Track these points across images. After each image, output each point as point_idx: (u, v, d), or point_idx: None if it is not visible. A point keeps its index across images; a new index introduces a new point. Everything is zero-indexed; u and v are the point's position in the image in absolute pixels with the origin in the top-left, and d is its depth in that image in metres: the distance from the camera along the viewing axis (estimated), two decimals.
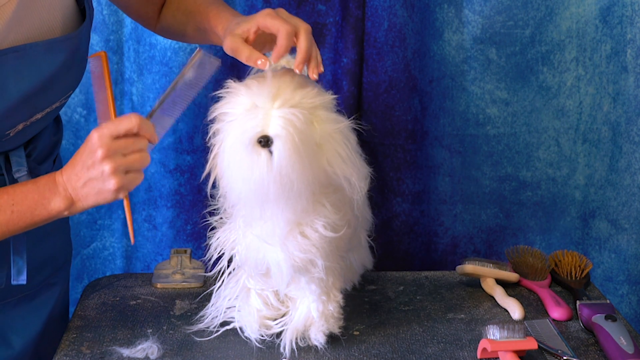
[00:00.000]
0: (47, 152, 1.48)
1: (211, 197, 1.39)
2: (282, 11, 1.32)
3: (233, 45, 1.30)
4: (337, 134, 1.30)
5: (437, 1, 1.94)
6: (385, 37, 1.92)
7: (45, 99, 1.34)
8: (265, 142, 1.24)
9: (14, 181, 1.38)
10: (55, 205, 1.26)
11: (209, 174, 1.35)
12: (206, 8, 1.43)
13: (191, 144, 1.96)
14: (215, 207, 1.42)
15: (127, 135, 1.24)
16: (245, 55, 1.29)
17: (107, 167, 1.23)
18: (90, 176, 1.23)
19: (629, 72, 1.92)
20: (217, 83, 1.93)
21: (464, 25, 1.95)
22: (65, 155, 1.97)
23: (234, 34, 1.31)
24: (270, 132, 1.24)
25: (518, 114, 2.00)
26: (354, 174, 1.31)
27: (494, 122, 2.00)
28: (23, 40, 1.26)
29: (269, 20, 1.28)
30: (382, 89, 1.95)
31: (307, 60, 1.29)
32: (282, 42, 1.27)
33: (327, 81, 1.96)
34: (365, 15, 1.92)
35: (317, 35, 1.94)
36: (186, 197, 1.99)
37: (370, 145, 1.98)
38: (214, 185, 1.35)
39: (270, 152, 1.24)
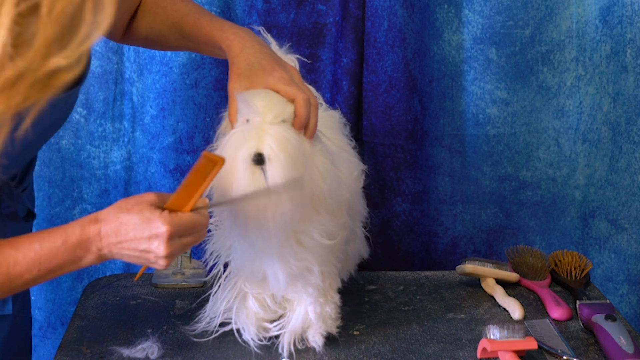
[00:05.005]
0: (24, 173, 1.40)
1: None
2: (294, 73, 1.33)
3: (232, 95, 1.31)
4: (317, 149, 1.31)
5: (437, 1, 1.94)
6: (385, 37, 1.92)
7: (40, 144, 1.32)
8: (258, 160, 1.23)
9: (1, 213, 1.32)
10: (86, 261, 1.19)
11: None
12: (197, 20, 1.40)
13: (191, 144, 1.96)
14: (213, 213, 1.41)
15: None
16: (230, 113, 1.30)
17: (162, 257, 1.19)
18: (140, 255, 1.19)
19: (629, 72, 1.91)
20: (217, 82, 1.94)
21: (464, 25, 1.95)
22: (66, 155, 1.98)
23: (241, 83, 1.30)
24: (264, 151, 1.23)
25: (518, 114, 2.00)
26: (325, 188, 1.31)
27: (494, 122, 2.00)
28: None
29: (282, 86, 1.29)
30: (382, 89, 1.95)
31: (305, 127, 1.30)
32: (301, 111, 1.28)
33: (327, 81, 1.96)
34: (365, 15, 1.92)
35: (317, 35, 1.94)
36: None
37: (370, 145, 1.98)
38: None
39: (263, 170, 1.24)
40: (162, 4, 1.45)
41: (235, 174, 1.24)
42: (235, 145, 1.25)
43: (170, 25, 1.44)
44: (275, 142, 1.23)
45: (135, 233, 1.17)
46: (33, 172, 1.46)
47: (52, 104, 1.20)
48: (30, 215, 1.41)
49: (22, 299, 1.47)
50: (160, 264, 1.20)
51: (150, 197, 1.19)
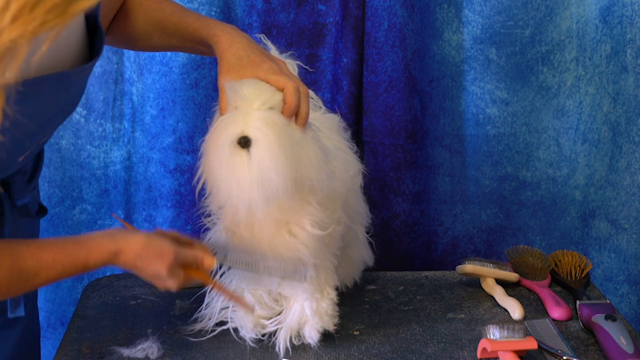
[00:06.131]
0: (34, 169, 1.42)
1: (200, 198, 1.39)
2: (283, 65, 1.34)
3: (222, 87, 1.32)
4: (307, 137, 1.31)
5: (437, 1, 1.94)
6: (385, 37, 1.92)
7: (56, 123, 1.31)
8: (244, 142, 1.24)
9: (14, 207, 1.33)
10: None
11: (200, 176, 1.34)
12: (182, 18, 1.41)
13: (191, 144, 1.96)
14: (208, 208, 1.42)
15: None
16: (220, 104, 1.32)
17: (171, 284, 1.30)
18: (152, 278, 1.30)
19: (629, 72, 1.92)
20: (217, 82, 1.94)
21: (464, 25, 1.95)
22: (66, 155, 1.98)
23: (231, 76, 1.32)
24: (250, 133, 1.24)
25: (518, 114, 2.00)
26: (314, 176, 1.31)
27: (494, 122, 2.00)
28: (49, 68, 1.19)
29: (271, 76, 1.30)
30: (382, 89, 1.95)
31: (295, 115, 1.31)
32: (291, 98, 1.29)
33: (327, 81, 1.96)
34: (365, 15, 1.92)
35: (317, 35, 1.94)
36: (186, 197, 1.99)
37: (370, 145, 1.98)
38: (203, 187, 1.35)
39: (249, 153, 1.24)
40: (146, 3, 1.46)
41: (221, 157, 1.25)
42: (221, 129, 1.26)
43: (154, 24, 1.45)
44: (261, 124, 1.24)
45: (150, 263, 1.26)
46: (40, 171, 1.47)
47: (66, 77, 1.22)
48: (42, 211, 1.42)
49: (31, 304, 1.48)
50: (168, 284, 1.29)
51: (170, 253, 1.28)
